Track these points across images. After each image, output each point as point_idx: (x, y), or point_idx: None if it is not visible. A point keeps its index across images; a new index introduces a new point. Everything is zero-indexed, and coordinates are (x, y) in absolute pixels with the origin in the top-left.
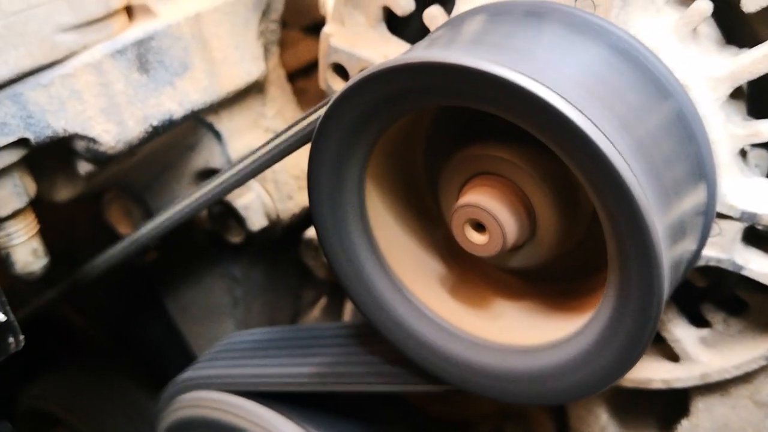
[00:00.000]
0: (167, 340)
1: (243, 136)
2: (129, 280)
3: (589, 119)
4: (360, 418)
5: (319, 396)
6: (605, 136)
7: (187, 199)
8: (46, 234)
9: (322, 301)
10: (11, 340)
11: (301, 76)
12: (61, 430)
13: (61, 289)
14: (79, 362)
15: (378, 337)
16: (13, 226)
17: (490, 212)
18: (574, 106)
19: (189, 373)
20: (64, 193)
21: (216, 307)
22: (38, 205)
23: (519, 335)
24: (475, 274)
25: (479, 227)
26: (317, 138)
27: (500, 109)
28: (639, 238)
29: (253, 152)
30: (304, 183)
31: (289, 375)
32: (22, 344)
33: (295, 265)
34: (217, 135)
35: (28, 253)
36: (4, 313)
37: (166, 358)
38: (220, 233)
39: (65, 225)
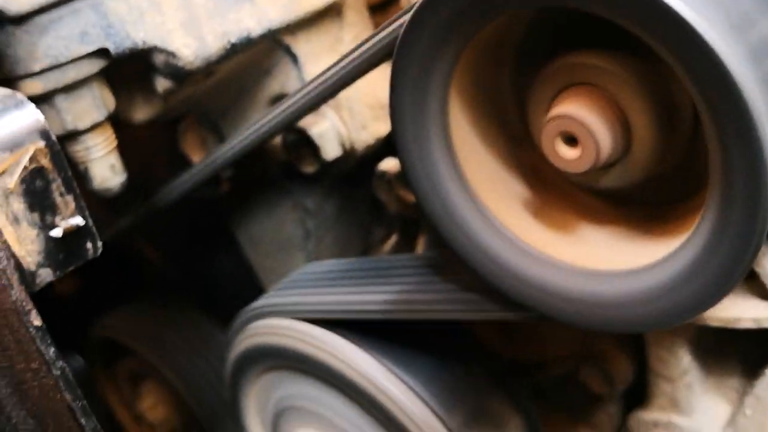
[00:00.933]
0: (238, 274)
1: (319, 60)
2: (201, 213)
3: (702, 18)
4: (431, 354)
5: (391, 329)
6: (720, 38)
7: (259, 123)
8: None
9: (393, 239)
10: (89, 245)
11: (379, 11)
12: (130, 360)
13: (134, 218)
14: (150, 295)
15: (455, 265)
16: (91, 140)
17: (583, 123)
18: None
19: (260, 302)
20: (141, 112)
21: (287, 240)
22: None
23: (604, 260)
24: (560, 198)
25: (571, 141)
26: (400, 49)
27: (602, 5)
28: (747, 148)
29: (328, 70)
30: (379, 112)
31: (361, 303)
32: (100, 251)
33: (367, 201)
34: (294, 58)
35: (105, 168)
36: (83, 217)
37: (237, 293)
38: (293, 163)
39: (142, 157)
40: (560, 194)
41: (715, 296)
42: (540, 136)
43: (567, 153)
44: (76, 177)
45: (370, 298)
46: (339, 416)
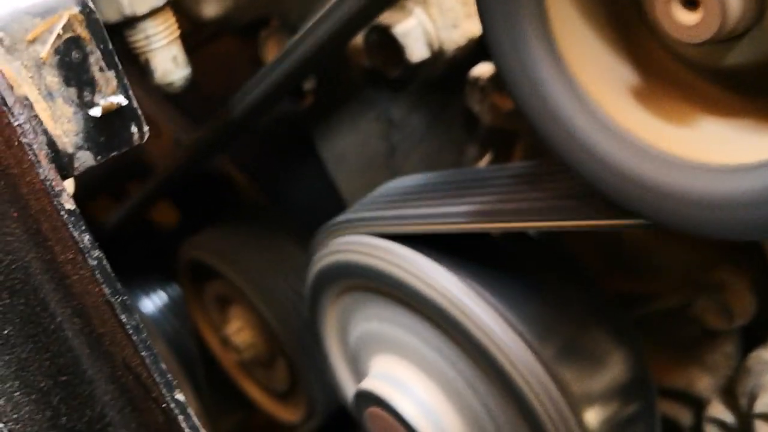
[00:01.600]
0: (324, 195)
1: None
2: (286, 132)
3: None
4: (525, 279)
5: (482, 251)
6: None
7: (338, 11)
8: (204, 79)
9: (487, 158)
10: (134, 129)
11: None
12: (217, 283)
13: (212, 129)
14: (237, 217)
15: (553, 172)
16: (151, 28)
17: None
18: None
19: (339, 218)
20: (210, 7)
21: (372, 156)
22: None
23: (721, 152)
24: (675, 86)
25: (690, 3)
26: None
27: None
28: None
29: None
30: (473, 9)
31: (445, 214)
32: (146, 136)
33: (459, 114)
34: None
35: (168, 59)
36: (126, 96)
37: (323, 215)
38: (376, 68)
39: (222, 70)
40: (675, 81)
41: None
42: (653, 2)
43: (686, 18)
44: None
45: (454, 209)
46: (420, 342)
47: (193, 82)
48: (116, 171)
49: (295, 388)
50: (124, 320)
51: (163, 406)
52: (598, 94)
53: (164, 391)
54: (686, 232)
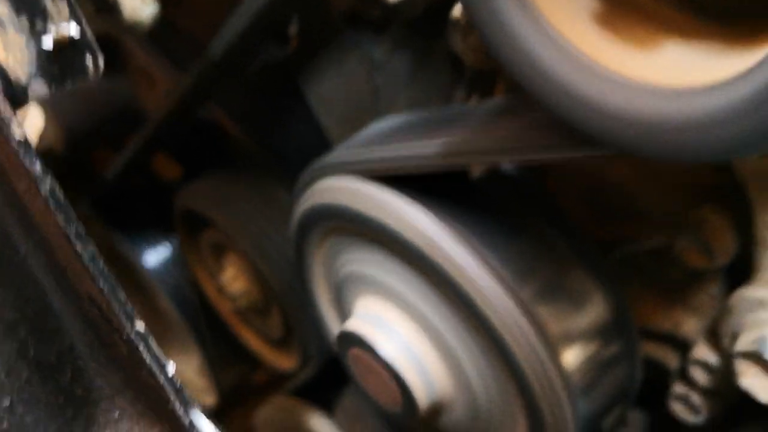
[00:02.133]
0: (314, 141)
1: None
2: (274, 79)
3: None
4: (505, 222)
5: (464, 194)
6: None
7: None
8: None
9: (474, 101)
10: (89, 61)
11: None
12: (212, 232)
13: (195, 73)
14: (231, 166)
15: (523, 106)
16: None
17: None
18: None
19: (322, 161)
20: None
21: (357, 99)
22: None
23: (684, 75)
24: (633, 9)
25: None
26: None
27: None
28: None
29: None
30: None
31: (420, 153)
32: (102, 70)
33: (445, 58)
34: None
35: None
36: (79, 27)
37: (314, 161)
38: (356, 8)
39: (208, 18)
40: (635, 5)
41: None
42: None
43: None
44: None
45: (429, 148)
46: (401, 284)
47: (184, 31)
48: (114, 123)
49: (290, 336)
50: (79, 250)
51: (125, 337)
52: (559, 22)
53: (124, 321)
54: (649, 158)
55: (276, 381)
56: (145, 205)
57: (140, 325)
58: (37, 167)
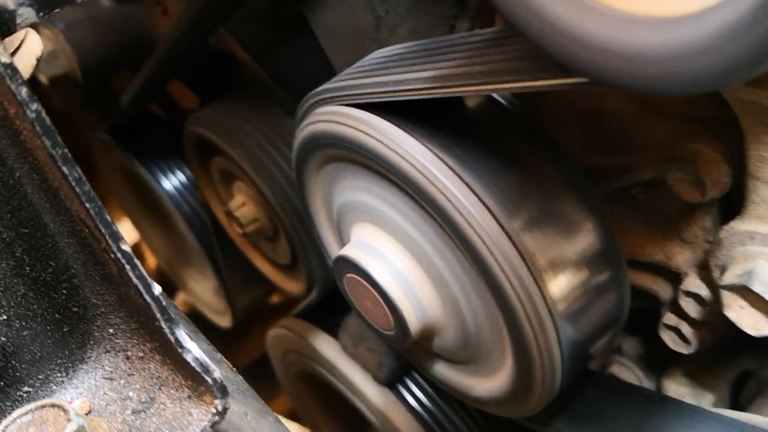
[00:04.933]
0: (320, 70)
1: None
2: (282, 8)
3: None
4: (497, 152)
5: (459, 124)
6: None
7: None
8: None
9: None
10: None
11: None
12: (221, 158)
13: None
14: (241, 94)
15: (509, 37)
16: None
17: None
18: None
19: (321, 88)
20: None
21: (360, 29)
22: None
23: (661, 4)
24: None
25: None
26: None
27: None
28: None
29: None
30: None
31: (411, 81)
32: None
33: None
34: None
35: None
36: None
37: None
38: None
39: None
40: None
41: None
42: None
43: None
44: None
45: (419, 75)
46: (394, 212)
47: None
48: (130, 49)
49: (296, 261)
50: (67, 172)
51: (112, 255)
52: None
53: (110, 241)
54: (631, 89)
55: (290, 303)
56: (164, 133)
57: (126, 245)
58: (24, 91)
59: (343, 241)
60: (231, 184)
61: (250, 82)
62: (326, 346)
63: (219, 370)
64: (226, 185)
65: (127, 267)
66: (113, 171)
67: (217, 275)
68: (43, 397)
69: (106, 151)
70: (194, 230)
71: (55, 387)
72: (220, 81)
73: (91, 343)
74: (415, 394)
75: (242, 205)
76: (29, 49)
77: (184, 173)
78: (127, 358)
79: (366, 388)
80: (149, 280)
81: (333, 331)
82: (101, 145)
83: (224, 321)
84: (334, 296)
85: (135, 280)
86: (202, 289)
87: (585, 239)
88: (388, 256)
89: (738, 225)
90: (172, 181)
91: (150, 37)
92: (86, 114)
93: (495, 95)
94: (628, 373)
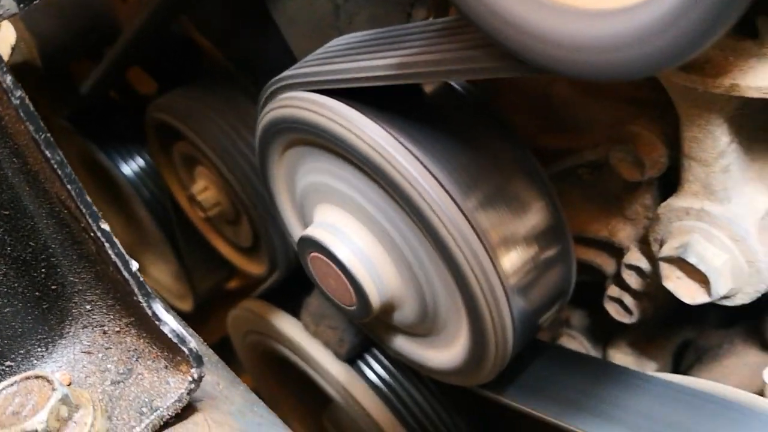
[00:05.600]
0: (281, 57)
1: None
2: None
3: None
4: (452, 134)
5: (415, 108)
6: None
7: None
8: None
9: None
10: None
11: None
12: (183, 143)
13: None
14: (203, 81)
15: (462, 26)
16: None
17: None
18: None
19: (283, 74)
20: None
21: (320, 17)
22: None
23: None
24: None
25: None
26: None
27: None
28: None
29: None
30: None
31: (370, 68)
32: None
33: None
34: None
35: None
36: None
37: None
38: None
39: None
40: None
41: (714, 28)
42: None
43: None
44: None
45: (378, 63)
46: (356, 193)
47: None
48: (90, 36)
49: (258, 244)
50: (49, 155)
51: (92, 234)
52: None
53: (90, 221)
54: (575, 77)
55: (250, 287)
56: (123, 119)
57: (105, 224)
58: (8, 79)
59: (306, 223)
60: (193, 168)
61: (212, 69)
62: (288, 326)
63: (194, 340)
64: (188, 170)
65: (107, 245)
66: (73, 157)
67: (177, 260)
68: (25, 371)
69: (67, 137)
70: (155, 215)
71: (36, 361)
72: (182, 67)
73: (69, 319)
74: (374, 369)
75: (204, 190)
76: (4, 38)
77: (144, 159)
78: (104, 332)
79: (328, 365)
80: (127, 257)
81: (294, 311)
82: (61, 132)
83: (185, 305)
84: (294, 277)
85: (114, 258)
86: (163, 274)
87: (535, 217)
88: (350, 234)
89: (675, 202)
90: (132, 167)
91: (110, 23)
92: (46, 101)
93: (451, 82)
94: (576, 344)
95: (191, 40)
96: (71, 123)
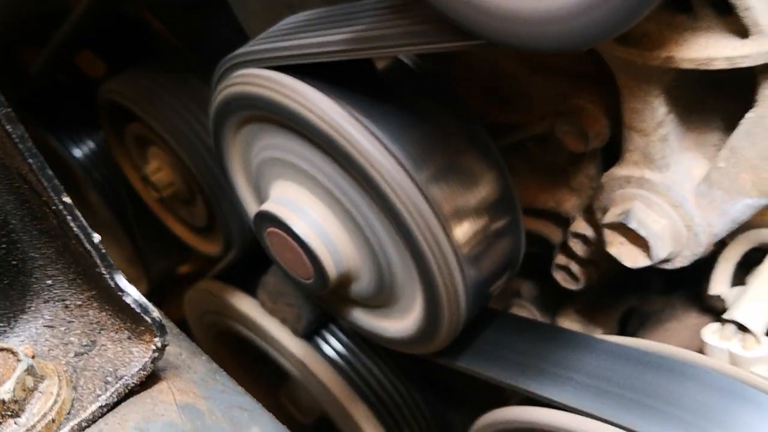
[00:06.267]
0: (232, 37)
1: None
2: None
3: None
4: (405, 109)
5: (369, 83)
6: None
7: None
8: None
9: None
10: None
11: None
12: (135, 123)
13: None
14: (155, 62)
15: (413, 3)
16: None
17: None
18: None
19: (237, 52)
20: None
21: None
22: None
23: None
24: None
25: None
26: None
27: None
28: None
29: None
30: None
31: (322, 44)
32: None
33: None
34: None
35: None
36: None
37: None
38: None
39: None
40: None
41: (643, 5)
42: None
43: None
44: None
45: (330, 38)
46: (311, 168)
47: None
48: (39, 18)
49: (213, 224)
50: (10, 130)
51: (53, 208)
52: None
53: (52, 194)
54: (517, 48)
55: (202, 272)
56: (73, 102)
57: (66, 198)
58: None
59: (262, 199)
60: (146, 149)
61: (164, 50)
62: (245, 305)
63: (157, 310)
64: (141, 151)
65: (69, 217)
66: None
67: (131, 243)
68: None
69: None
70: (107, 199)
71: None
72: (132, 49)
73: (31, 294)
74: (332, 344)
75: (158, 170)
76: None
77: (95, 142)
78: (66, 306)
79: (286, 342)
80: (89, 229)
81: (251, 290)
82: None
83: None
84: (250, 256)
85: (76, 230)
86: (116, 258)
87: (485, 189)
88: (306, 208)
89: (616, 171)
90: (83, 150)
91: (58, 6)
92: None
93: (402, 57)
94: (527, 314)
95: (142, 22)
96: (20, 106)
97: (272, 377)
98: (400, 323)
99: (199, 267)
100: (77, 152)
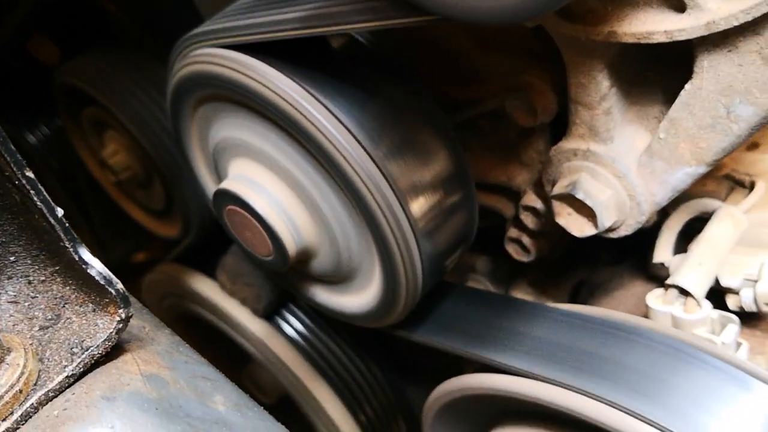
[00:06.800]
0: (188, 18)
1: None
2: None
3: None
4: (361, 86)
5: (324, 61)
6: None
7: None
8: None
9: None
10: None
11: None
12: (92, 107)
13: None
14: (111, 45)
15: None
16: None
17: None
18: None
19: (193, 32)
20: None
21: None
22: None
23: None
24: None
25: None
26: None
27: None
28: None
29: None
30: None
31: (277, 22)
32: None
33: None
34: None
35: None
36: None
37: None
38: None
39: None
40: None
41: None
42: None
43: None
44: None
45: (285, 17)
46: (269, 145)
47: None
48: None
49: (171, 206)
50: None
51: (16, 183)
52: None
53: (15, 169)
54: (468, 22)
55: (160, 259)
56: (28, 89)
57: (29, 172)
58: None
59: (220, 178)
60: (103, 133)
61: (118, 32)
62: (204, 286)
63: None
64: (97, 135)
65: (32, 192)
66: None
67: (89, 229)
68: None
69: None
70: (64, 185)
71: None
72: (86, 33)
73: None
74: (292, 323)
75: (115, 153)
76: None
77: (50, 128)
78: (29, 282)
79: (246, 322)
80: (52, 203)
81: (210, 272)
82: None
83: None
84: (209, 239)
85: (39, 204)
86: None
87: (440, 165)
88: (265, 185)
89: (564, 144)
90: (37, 136)
91: None
92: None
93: (356, 35)
94: (481, 287)
95: (96, 5)
96: None
97: (234, 359)
98: (359, 298)
99: (155, 255)
100: (32, 139)
